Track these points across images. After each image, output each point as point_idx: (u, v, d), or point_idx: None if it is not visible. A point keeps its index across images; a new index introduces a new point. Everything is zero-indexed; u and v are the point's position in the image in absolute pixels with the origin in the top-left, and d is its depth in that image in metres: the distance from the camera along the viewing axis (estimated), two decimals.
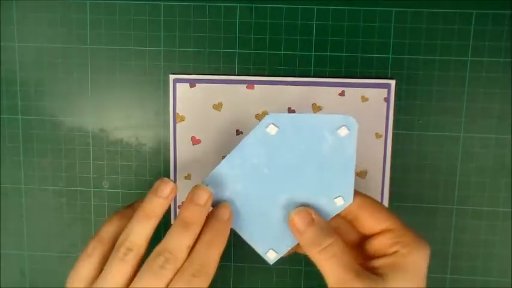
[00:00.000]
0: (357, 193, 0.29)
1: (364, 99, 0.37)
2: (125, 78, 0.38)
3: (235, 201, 0.30)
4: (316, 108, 0.37)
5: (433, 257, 0.38)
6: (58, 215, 0.39)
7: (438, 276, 0.38)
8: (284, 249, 0.31)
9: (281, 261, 0.39)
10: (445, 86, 0.36)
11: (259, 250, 0.31)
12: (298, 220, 0.28)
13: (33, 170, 0.39)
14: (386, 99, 0.37)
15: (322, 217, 0.29)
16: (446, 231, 0.37)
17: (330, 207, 0.29)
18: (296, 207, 0.29)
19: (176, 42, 0.37)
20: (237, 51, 0.37)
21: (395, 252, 0.27)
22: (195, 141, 0.38)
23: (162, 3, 0.37)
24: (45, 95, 0.38)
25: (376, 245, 0.28)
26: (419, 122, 0.37)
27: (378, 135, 0.37)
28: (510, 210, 0.37)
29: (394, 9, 0.36)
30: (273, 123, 0.29)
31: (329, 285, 0.28)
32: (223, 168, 0.30)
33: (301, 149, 0.29)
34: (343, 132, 0.29)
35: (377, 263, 0.28)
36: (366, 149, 0.37)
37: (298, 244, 0.30)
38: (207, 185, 0.29)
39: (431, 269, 0.38)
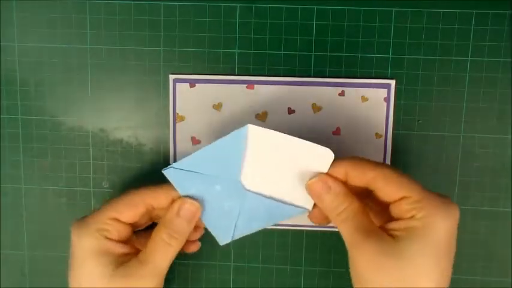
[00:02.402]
0: (370, 164, 0.30)
1: (364, 99, 0.37)
2: (125, 78, 0.37)
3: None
4: (316, 108, 0.37)
5: None
6: (58, 215, 0.39)
7: None
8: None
9: (281, 261, 0.39)
10: (445, 86, 0.36)
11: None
12: (317, 187, 0.30)
13: (33, 170, 0.39)
14: (386, 99, 0.37)
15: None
16: None
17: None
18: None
19: (176, 42, 0.37)
20: (237, 51, 0.37)
21: (411, 217, 0.28)
22: (195, 141, 0.38)
23: (162, 3, 0.37)
24: (45, 95, 0.38)
25: (396, 210, 0.29)
26: (419, 122, 0.37)
27: (378, 135, 0.37)
28: (510, 210, 0.37)
29: (394, 9, 0.36)
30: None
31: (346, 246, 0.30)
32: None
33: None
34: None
35: (392, 225, 0.29)
36: (366, 149, 0.37)
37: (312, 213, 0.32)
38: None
39: None
